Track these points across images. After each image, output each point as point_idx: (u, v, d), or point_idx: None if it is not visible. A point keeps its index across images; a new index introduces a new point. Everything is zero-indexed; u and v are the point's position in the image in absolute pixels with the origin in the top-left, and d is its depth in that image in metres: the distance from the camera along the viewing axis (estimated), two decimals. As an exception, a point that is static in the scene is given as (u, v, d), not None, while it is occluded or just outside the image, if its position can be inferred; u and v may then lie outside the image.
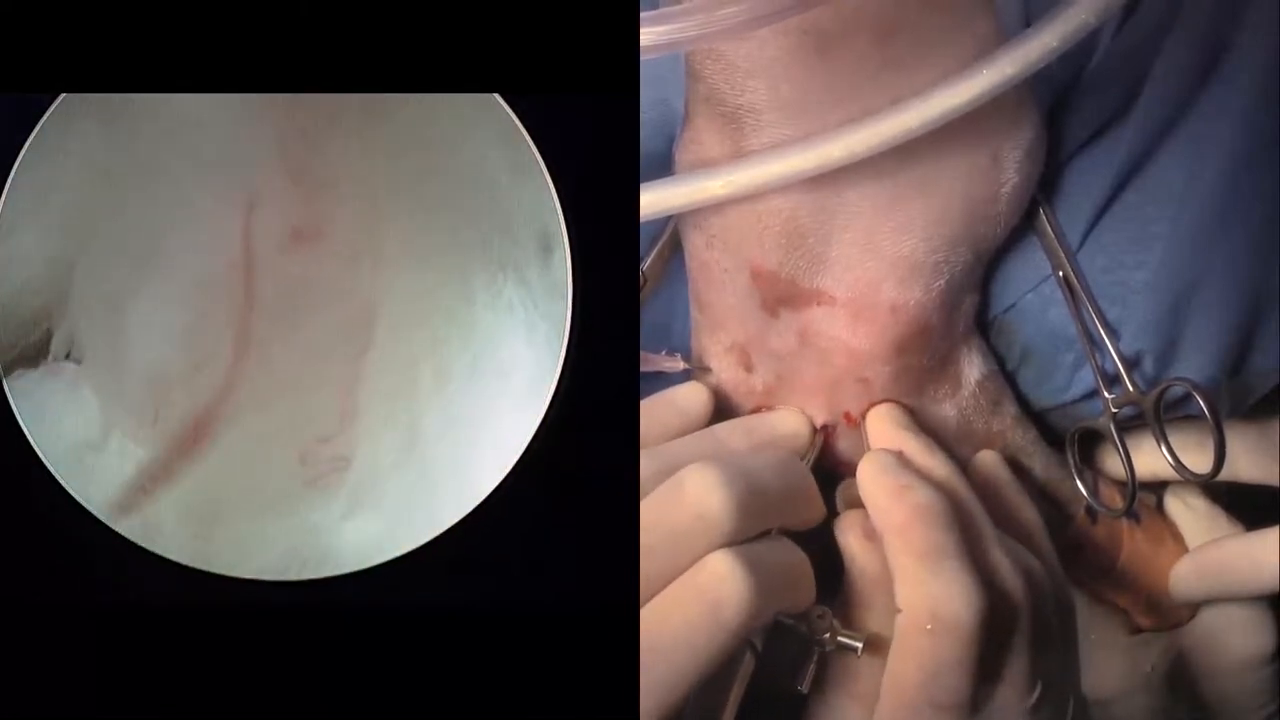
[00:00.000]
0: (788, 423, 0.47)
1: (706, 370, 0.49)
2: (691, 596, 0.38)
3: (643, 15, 0.38)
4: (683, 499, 0.40)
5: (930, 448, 0.46)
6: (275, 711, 0.46)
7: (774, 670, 0.43)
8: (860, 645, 0.42)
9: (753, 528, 0.40)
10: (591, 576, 0.46)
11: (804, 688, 0.43)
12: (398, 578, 0.47)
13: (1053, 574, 0.45)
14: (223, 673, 0.46)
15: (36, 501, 0.46)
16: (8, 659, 0.46)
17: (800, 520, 0.44)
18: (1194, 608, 0.53)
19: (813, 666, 0.43)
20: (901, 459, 0.44)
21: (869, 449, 0.46)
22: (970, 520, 0.43)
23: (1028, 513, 0.48)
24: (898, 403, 0.47)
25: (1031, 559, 0.44)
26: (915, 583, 0.40)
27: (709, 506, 0.39)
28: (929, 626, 0.40)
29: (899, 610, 0.41)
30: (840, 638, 0.42)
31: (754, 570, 0.39)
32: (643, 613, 0.38)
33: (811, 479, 0.45)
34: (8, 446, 0.46)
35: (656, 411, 0.47)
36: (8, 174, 0.46)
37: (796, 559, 0.42)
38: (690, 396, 0.48)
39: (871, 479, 0.43)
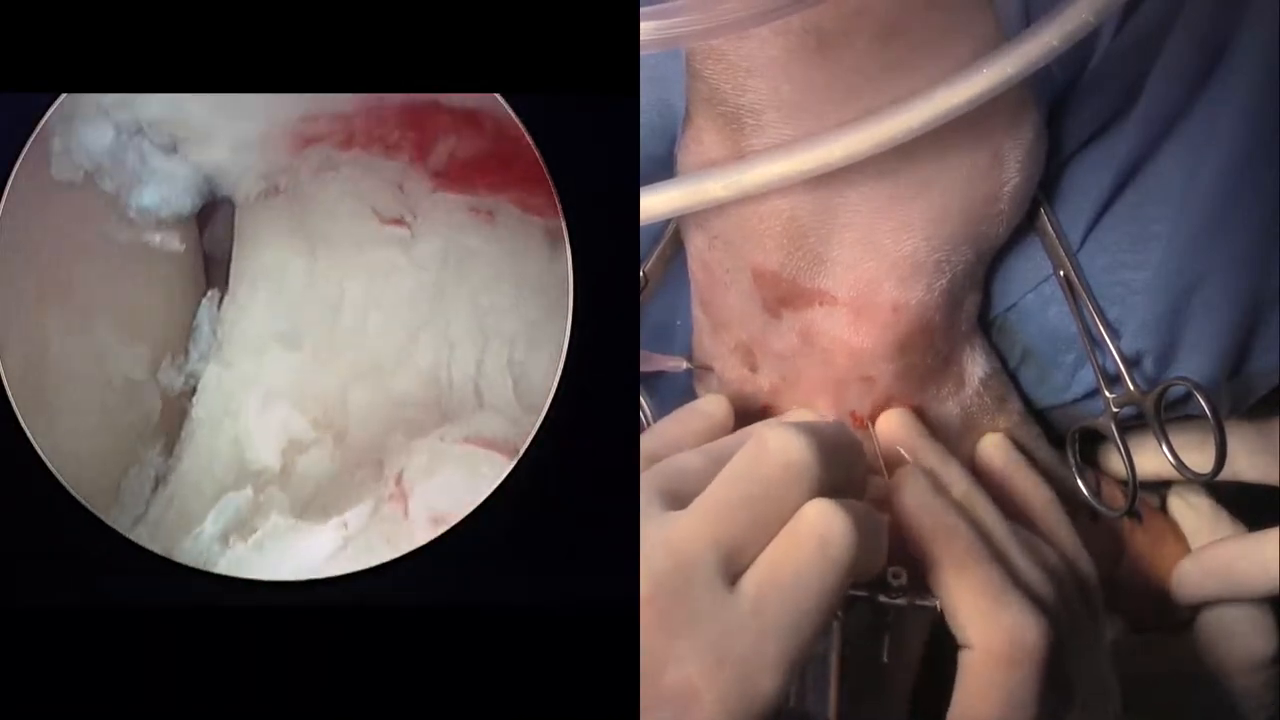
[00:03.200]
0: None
1: (708, 369, 0.49)
2: (797, 545, 0.38)
3: (643, 10, 0.38)
4: (766, 453, 0.40)
5: (946, 458, 0.46)
6: (275, 711, 0.46)
7: (851, 647, 0.43)
8: (938, 604, 0.42)
9: (834, 479, 0.40)
10: (591, 576, 0.46)
11: (886, 658, 0.43)
12: (398, 578, 0.47)
13: (1071, 557, 0.46)
14: (223, 673, 0.46)
15: (36, 501, 0.46)
16: (8, 659, 0.45)
17: (860, 478, 0.44)
18: (1196, 608, 0.53)
19: (889, 635, 0.43)
20: (936, 485, 0.44)
21: (880, 454, 0.46)
22: (991, 535, 0.44)
23: (1041, 492, 0.48)
24: (908, 408, 0.47)
25: (1049, 552, 0.45)
26: (987, 617, 0.41)
27: (795, 455, 0.39)
28: (1009, 662, 0.41)
29: (966, 647, 0.41)
30: (918, 601, 0.42)
31: (851, 512, 0.39)
32: (751, 575, 0.38)
33: (863, 445, 0.45)
34: (8, 446, 0.46)
35: (681, 417, 0.47)
36: (8, 174, 0.46)
37: (877, 515, 0.42)
38: (712, 402, 0.48)
39: (915, 511, 0.43)
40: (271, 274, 0.49)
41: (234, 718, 0.46)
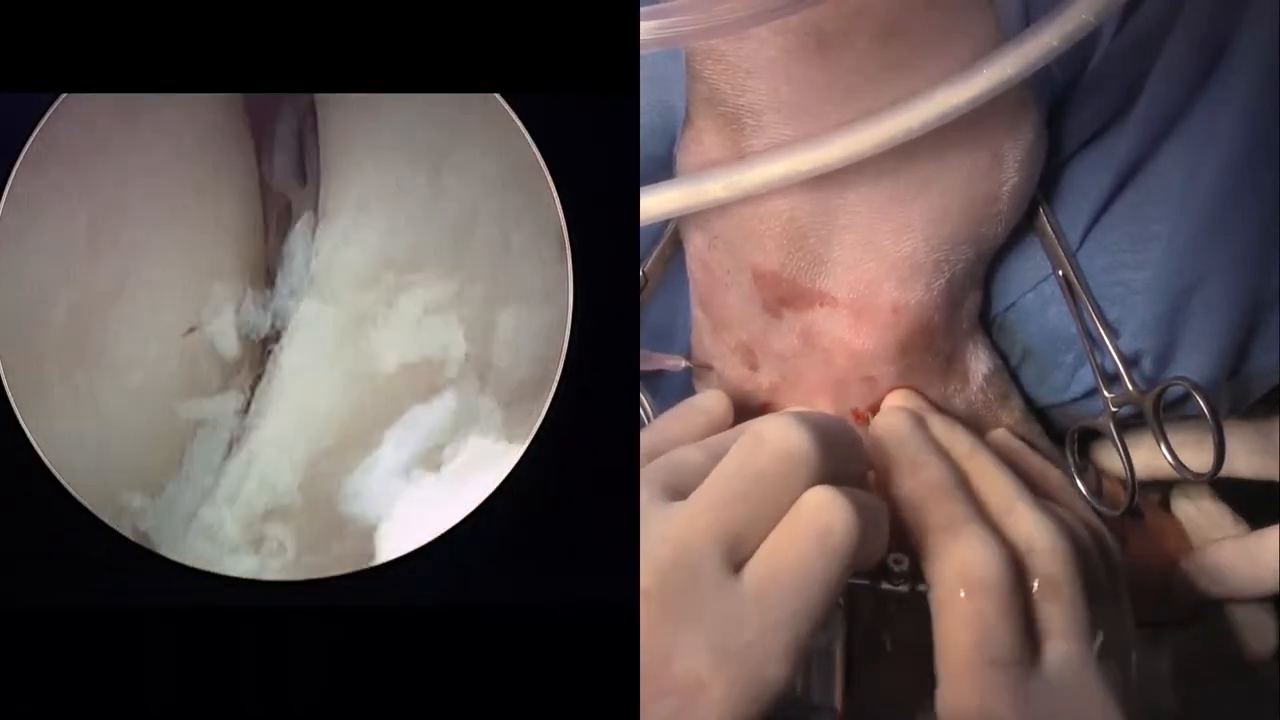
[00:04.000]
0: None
1: (708, 368, 0.49)
2: (798, 533, 0.38)
3: (643, 10, 0.38)
4: (764, 444, 0.40)
5: (950, 422, 0.46)
6: (275, 711, 0.46)
7: (856, 635, 0.44)
8: None
9: (833, 469, 0.40)
10: (591, 576, 0.46)
11: (890, 645, 0.43)
12: (399, 578, 0.47)
13: (1090, 525, 0.46)
14: (223, 672, 0.46)
15: (37, 501, 0.46)
16: (8, 659, 0.45)
17: (859, 471, 0.44)
18: (1196, 607, 0.53)
19: (892, 623, 0.43)
20: (915, 423, 0.45)
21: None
22: (996, 483, 0.44)
23: (1052, 474, 0.48)
24: (913, 389, 0.47)
25: (1066, 513, 0.45)
26: (938, 554, 0.41)
27: (793, 445, 0.39)
28: (962, 592, 0.40)
29: (927, 586, 0.41)
30: (919, 587, 0.42)
31: (852, 499, 0.39)
32: (753, 565, 0.38)
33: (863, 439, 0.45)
34: (8, 446, 0.46)
35: (680, 413, 0.47)
36: (8, 174, 0.46)
37: (878, 502, 0.42)
38: (712, 398, 0.48)
39: (888, 446, 0.44)
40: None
41: (234, 718, 0.46)
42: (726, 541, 0.38)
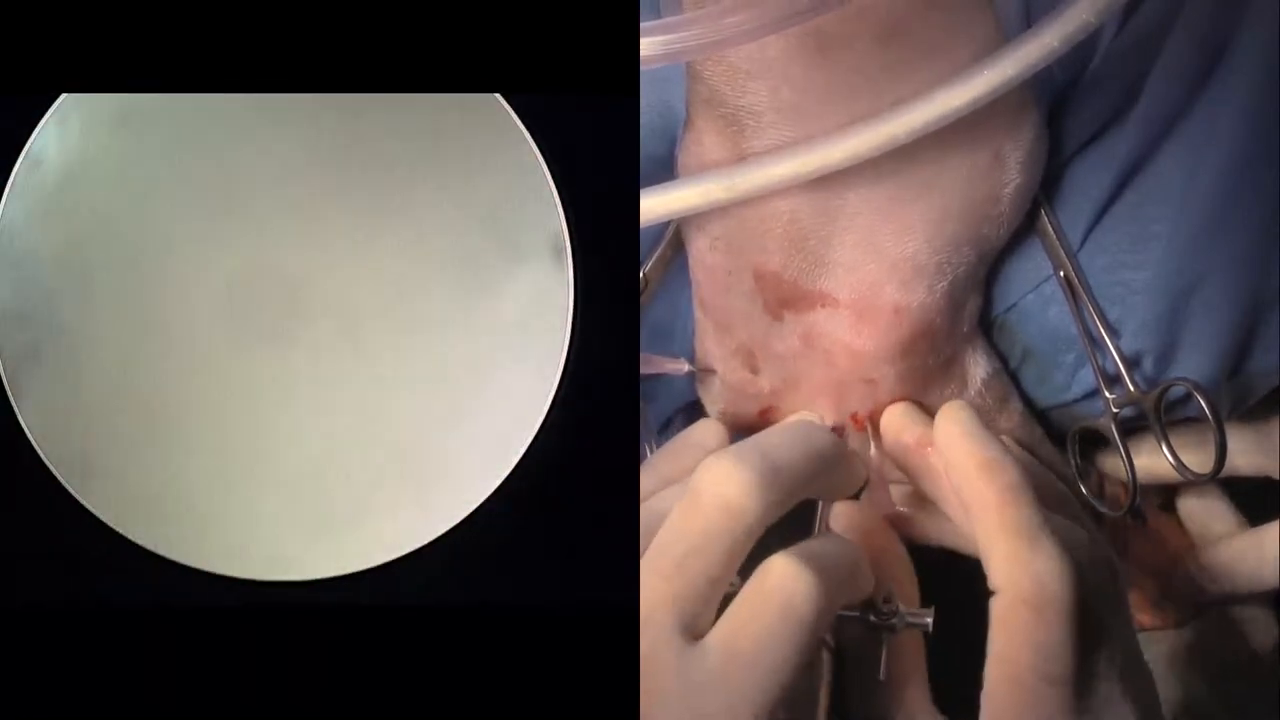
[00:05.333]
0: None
1: (710, 372, 0.49)
2: (761, 604, 0.38)
3: (644, 25, 0.38)
4: (701, 498, 0.39)
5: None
6: (275, 711, 0.46)
7: (846, 666, 0.43)
8: (930, 621, 0.42)
9: (783, 502, 0.40)
10: (591, 576, 0.46)
11: (883, 675, 0.43)
12: (398, 578, 0.47)
13: (1095, 538, 0.45)
14: (223, 673, 0.46)
15: (36, 501, 0.46)
16: (8, 659, 0.46)
17: (838, 487, 0.44)
18: (1198, 606, 0.53)
19: (885, 652, 0.43)
20: (979, 421, 0.43)
21: (877, 449, 0.46)
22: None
23: (1054, 480, 0.48)
24: (913, 401, 0.47)
25: (1076, 528, 0.44)
26: (1016, 561, 0.40)
27: (732, 494, 0.39)
28: (1035, 603, 0.39)
29: (994, 591, 0.40)
30: (909, 618, 0.42)
31: (815, 562, 0.38)
32: (715, 636, 0.38)
33: (842, 442, 0.44)
34: (7, 446, 0.46)
35: (675, 449, 0.47)
36: (8, 174, 0.46)
37: (850, 549, 0.42)
38: (706, 430, 0.48)
39: (956, 446, 0.42)
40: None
41: (234, 718, 0.46)
42: (680, 611, 0.38)
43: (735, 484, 0.39)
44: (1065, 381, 0.49)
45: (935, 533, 0.47)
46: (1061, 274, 0.47)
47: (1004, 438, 0.49)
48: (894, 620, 0.42)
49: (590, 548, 0.47)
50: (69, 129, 0.46)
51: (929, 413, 0.47)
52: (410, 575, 0.47)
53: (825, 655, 0.42)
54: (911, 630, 0.43)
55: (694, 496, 0.39)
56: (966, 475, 0.42)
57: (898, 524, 0.47)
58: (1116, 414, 0.47)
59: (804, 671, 0.39)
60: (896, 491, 0.48)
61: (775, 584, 0.38)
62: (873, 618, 0.42)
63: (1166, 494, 0.55)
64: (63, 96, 0.46)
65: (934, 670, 0.45)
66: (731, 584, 0.39)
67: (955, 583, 0.43)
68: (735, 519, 0.39)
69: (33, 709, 0.46)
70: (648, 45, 0.37)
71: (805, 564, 0.38)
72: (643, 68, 0.38)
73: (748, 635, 0.38)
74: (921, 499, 0.46)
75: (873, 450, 0.47)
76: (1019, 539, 0.40)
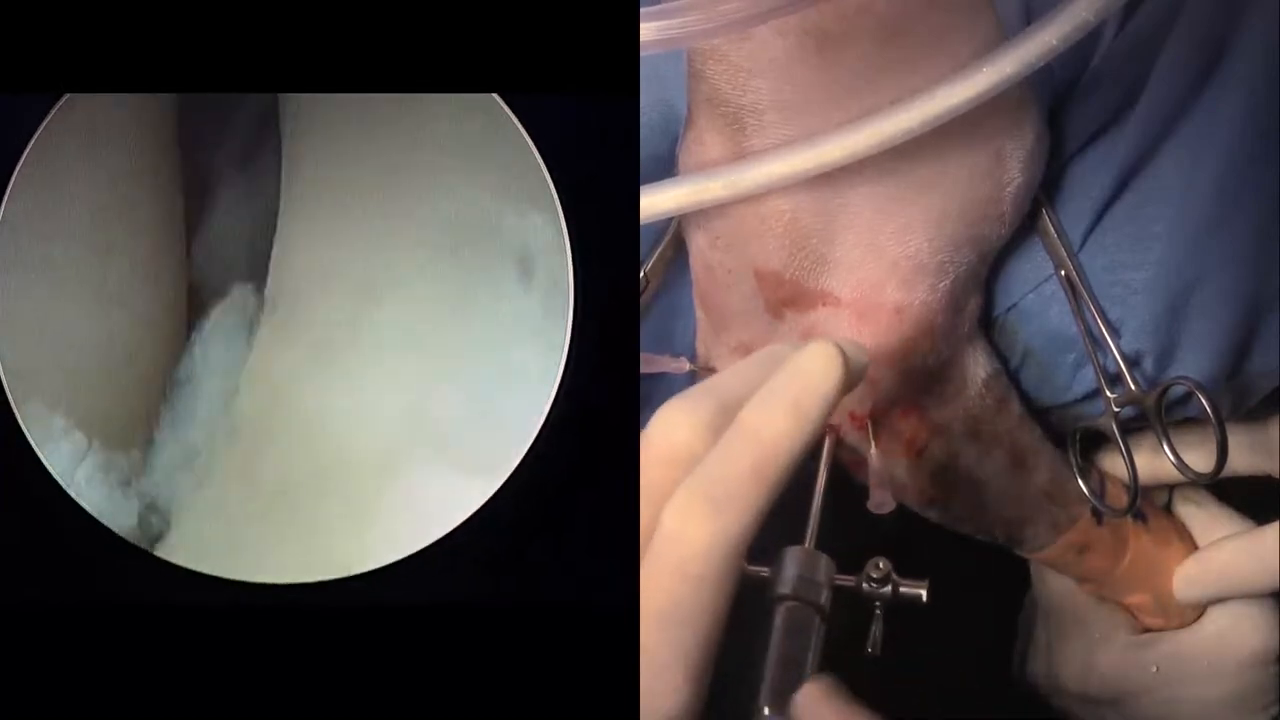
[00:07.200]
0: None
1: (711, 371, 0.49)
2: (657, 567, 0.35)
3: (643, 11, 0.38)
4: (649, 449, 0.37)
5: None
6: (275, 711, 0.46)
7: (838, 641, 0.42)
8: (924, 592, 0.41)
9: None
10: (591, 576, 0.46)
11: (875, 650, 0.42)
12: (399, 578, 0.47)
13: None
14: (223, 673, 0.46)
15: (36, 501, 0.46)
16: (8, 659, 0.46)
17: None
18: (1200, 607, 0.53)
19: (877, 627, 0.42)
20: None
21: (874, 450, 0.46)
22: None
23: None
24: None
25: None
26: None
27: (675, 442, 0.36)
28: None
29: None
30: (902, 588, 0.41)
31: (711, 501, 0.35)
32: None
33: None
34: (8, 447, 0.46)
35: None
36: (9, 174, 0.46)
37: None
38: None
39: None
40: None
41: (234, 718, 0.46)
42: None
43: (679, 432, 0.36)
44: (1066, 381, 0.49)
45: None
46: (1062, 274, 0.47)
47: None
48: (886, 589, 0.41)
49: (590, 548, 0.47)
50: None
51: (926, 418, 0.47)
52: (410, 575, 0.47)
53: (817, 623, 0.41)
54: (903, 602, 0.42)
55: (644, 447, 0.37)
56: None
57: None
58: (1117, 414, 0.47)
59: (726, 615, 0.36)
60: None
61: (665, 539, 0.35)
62: (865, 586, 0.41)
63: (1167, 494, 0.55)
64: (65, 96, 0.46)
65: (933, 662, 0.45)
66: None
67: (957, 581, 0.43)
68: (680, 472, 0.36)
69: (33, 709, 0.46)
70: (646, 31, 0.37)
71: (698, 502, 0.35)
72: (641, 54, 0.38)
73: (652, 604, 0.35)
74: None
75: (873, 450, 0.47)
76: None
